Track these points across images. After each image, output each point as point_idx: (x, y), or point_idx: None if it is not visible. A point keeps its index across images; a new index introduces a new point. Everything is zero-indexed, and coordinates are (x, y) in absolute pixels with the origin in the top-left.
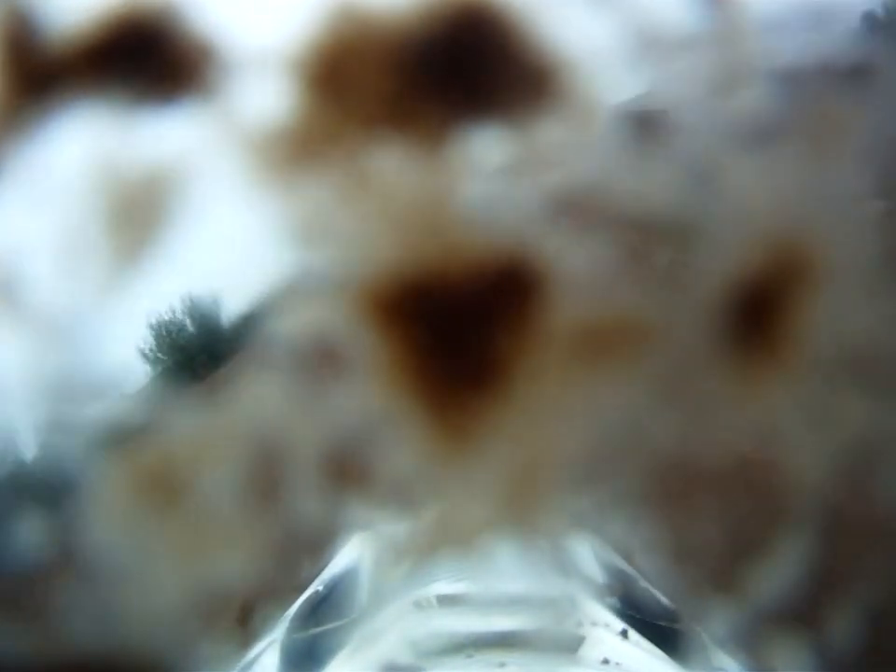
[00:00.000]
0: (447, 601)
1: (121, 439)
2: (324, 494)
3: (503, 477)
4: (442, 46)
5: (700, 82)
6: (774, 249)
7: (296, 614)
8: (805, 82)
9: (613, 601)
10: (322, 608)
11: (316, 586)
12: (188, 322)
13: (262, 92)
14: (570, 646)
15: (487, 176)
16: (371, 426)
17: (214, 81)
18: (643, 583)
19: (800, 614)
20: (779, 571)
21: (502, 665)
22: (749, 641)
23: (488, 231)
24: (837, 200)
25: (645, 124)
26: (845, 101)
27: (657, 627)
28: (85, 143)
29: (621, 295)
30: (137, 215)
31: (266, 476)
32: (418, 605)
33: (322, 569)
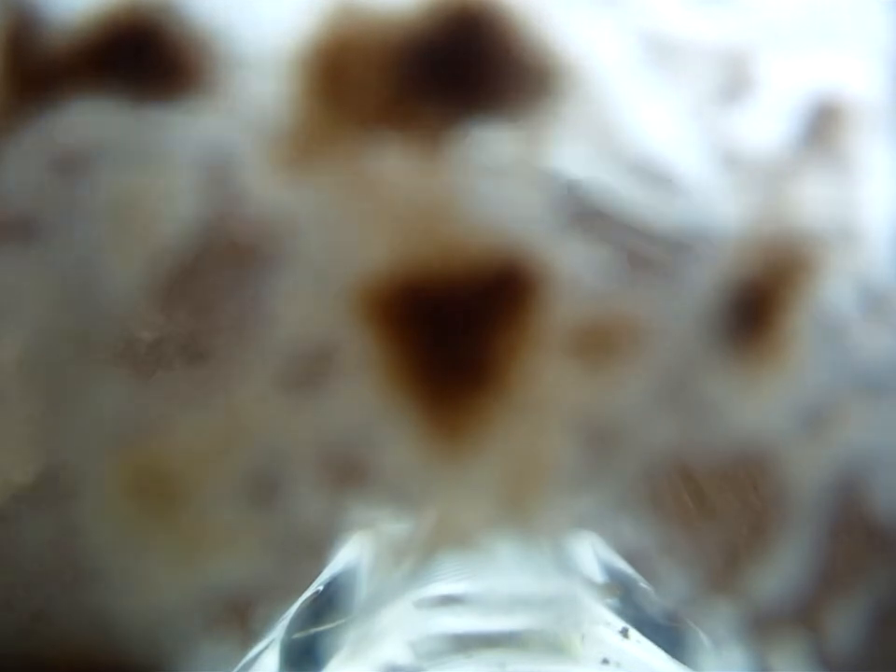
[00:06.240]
0: (447, 601)
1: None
2: (323, 494)
3: (503, 477)
4: (443, 45)
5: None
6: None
7: (296, 614)
8: None
9: (613, 601)
10: (322, 608)
11: (316, 586)
12: None
13: (262, 92)
14: (570, 646)
15: (488, 177)
16: (370, 425)
17: (213, 81)
18: (643, 583)
19: (799, 614)
20: (779, 571)
21: (502, 665)
22: (748, 641)
23: (487, 231)
24: None
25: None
26: None
27: (657, 627)
28: (84, 143)
29: (620, 295)
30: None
31: (265, 476)
32: (418, 605)
33: (322, 569)
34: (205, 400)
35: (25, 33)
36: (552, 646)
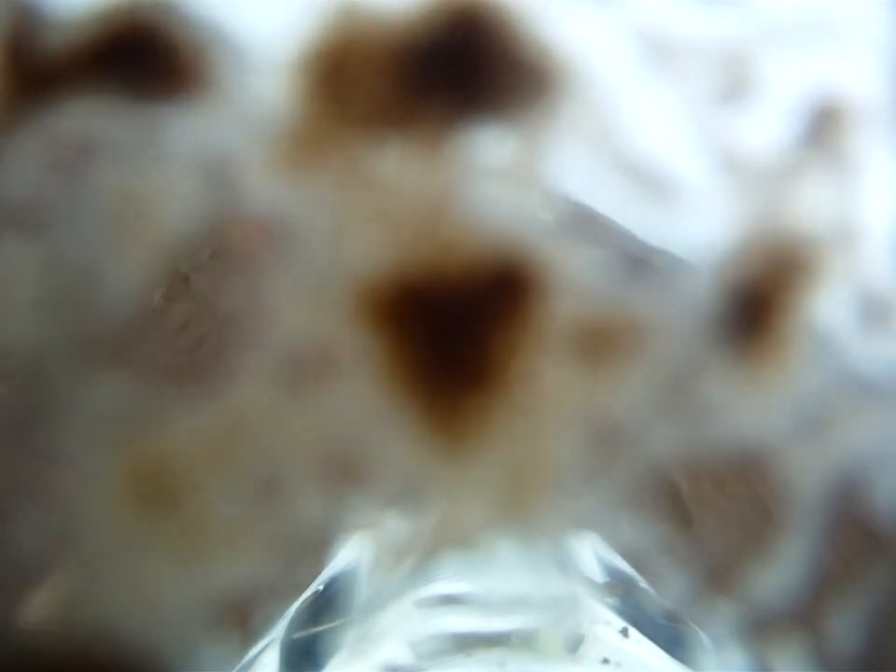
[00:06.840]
0: (447, 601)
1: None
2: (323, 494)
3: (503, 477)
4: (443, 47)
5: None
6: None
7: (296, 614)
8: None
9: (613, 601)
10: (322, 608)
11: (316, 586)
12: None
13: (263, 93)
14: (570, 646)
15: (488, 177)
16: (370, 425)
17: (214, 81)
18: (643, 583)
19: (799, 614)
20: (779, 572)
21: (502, 664)
22: (748, 641)
23: (487, 232)
24: None
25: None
26: None
27: (657, 627)
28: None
29: (620, 296)
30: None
31: (265, 476)
32: (418, 605)
33: (322, 569)
34: (206, 401)
35: (26, 32)
36: (552, 646)
